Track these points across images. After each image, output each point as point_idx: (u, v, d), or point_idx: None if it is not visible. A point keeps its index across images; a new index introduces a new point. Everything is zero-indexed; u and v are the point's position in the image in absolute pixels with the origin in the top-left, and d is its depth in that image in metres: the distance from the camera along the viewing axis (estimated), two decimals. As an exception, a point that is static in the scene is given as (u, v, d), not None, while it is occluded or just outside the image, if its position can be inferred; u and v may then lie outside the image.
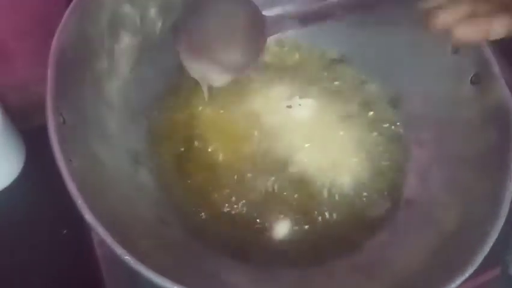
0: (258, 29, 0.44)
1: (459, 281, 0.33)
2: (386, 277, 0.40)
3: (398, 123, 0.52)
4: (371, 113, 0.52)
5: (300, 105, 0.51)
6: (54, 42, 0.37)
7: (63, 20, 0.38)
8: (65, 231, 0.50)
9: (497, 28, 0.33)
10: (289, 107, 0.51)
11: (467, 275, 0.33)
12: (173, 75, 0.50)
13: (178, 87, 0.51)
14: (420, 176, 0.48)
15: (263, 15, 0.44)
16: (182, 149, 0.48)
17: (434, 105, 0.49)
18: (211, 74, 0.45)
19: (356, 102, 0.52)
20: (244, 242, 0.45)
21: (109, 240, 0.31)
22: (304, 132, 0.50)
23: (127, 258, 0.32)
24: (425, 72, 0.49)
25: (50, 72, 0.35)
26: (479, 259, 0.34)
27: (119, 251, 0.32)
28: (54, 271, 0.49)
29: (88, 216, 0.32)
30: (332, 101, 0.52)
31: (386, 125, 0.52)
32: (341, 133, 0.50)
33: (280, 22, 0.44)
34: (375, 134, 0.51)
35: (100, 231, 0.32)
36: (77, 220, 0.43)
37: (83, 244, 0.47)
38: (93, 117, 0.42)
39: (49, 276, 0.49)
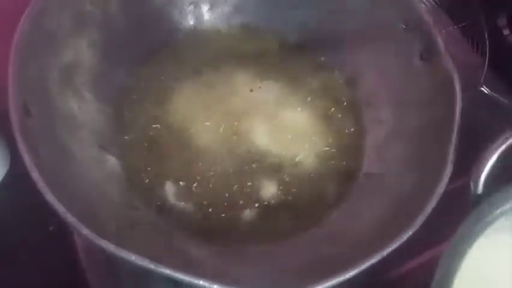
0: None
1: (406, 236, 0.36)
2: (344, 244, 0.43)
3: (356, 103, 0.54)
4: (330, 93, 0.54)
5: (260, 88, 0.53)
6: (16, 37, 0.39)
7: (24, 15, 0.40)
8: (51, 228, 0.52)
9: None
10: (251, 90, 0.53)
11: (410, 232, 0.36)
12: (141, 65, 0.52)
13: (146, 77, 0.53)
14: (378, 151, 0.51)
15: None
16: (151, 135, 0.50)
17: (389, 84, 0.52)
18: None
19: (315, 83, 0.54)
20: (210, 222, 0.47)
21: (72, 220, 0.33)
22: (266, 114, 0.52)
23: (97, 240, 0.34)
24: (378, 52, 0.52)
25: (11, 67, 0.37)
26: (423, 217, 0.36)
27: (86, 231, 0.33)
28: (41, 266, 0.51)
29: (49, 197, 0.34)
30: (292, 83, 0.53)
31: (345, 104, 0.54)
32: (301, 113, 0.52)
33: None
34: (334, 113, 0.53)
35: (69, 218, 0.34)
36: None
37: (68, 240, 0.50)
38: (61, 109, 0.44)
39: (35, 271, 0.51)
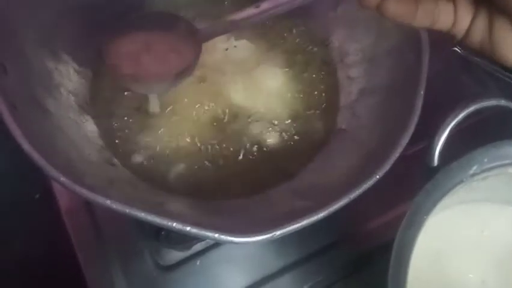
0: (191, 39, 0.46)
1: (371, 182, 0.38)
2: (318, 196, 0.44)
3: (330, 61, 0.55)
4: (304, 52, 0.55)
5: (235, 46, 0.54)
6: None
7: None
8: (37, 196, 0.54)
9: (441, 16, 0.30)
10: (226, 49, 0.54)
11: (376, 177, 0.38)
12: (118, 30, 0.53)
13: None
14: (351, 107, 0.52)
15: (193, 26, 0.46)
16: (126, 94, 0.51)
17: (360, 41, 0.53)
18: (153, 91, 0.49)
19: (289, 43, 0.55)
20: (188, 179, 0.48)
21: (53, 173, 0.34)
22: (242, 72, 0.53)
23: (75, 187, 0.35)
24: (349, 10, 0.53)
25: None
26: (388, 166, 0.38)
27: (63, 179, 0.35)
28: (28, 232, 0.52)
29: (26, 147, 0.35)
30: (266, 43, 0.55)
31: (318, 63, 0.55)
32: (276, 72, 0.53)
33: (211, 30, 0.46)
34: (308, 71, 0.54)
35: (47, 169, 0.35)
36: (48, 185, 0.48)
37: (53, 206, 0.52)
38: (37, 68, 0.45)
39: (23, 236, 0.52)
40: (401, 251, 0.40)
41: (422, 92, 0.42)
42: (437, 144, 0.46)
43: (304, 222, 0.36)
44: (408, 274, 0.39)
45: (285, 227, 0.35)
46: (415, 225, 0.41)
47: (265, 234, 0.35)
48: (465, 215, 0.51)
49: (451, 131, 0.46)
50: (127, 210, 0.34)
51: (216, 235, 0.34)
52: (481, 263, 0.50)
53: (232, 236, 0.34)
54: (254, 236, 0.34)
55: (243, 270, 0.51)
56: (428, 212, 0.42)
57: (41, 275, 0.52)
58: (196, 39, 0.45)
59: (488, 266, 0.50)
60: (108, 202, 0.34)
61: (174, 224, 0.33)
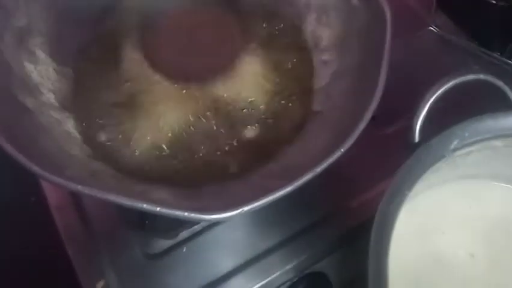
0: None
1: (336, 155, 0.40)
2: (294, 176, 0.45)
3: (304, 46, 0.56)
4: (278, 39, 0.57)
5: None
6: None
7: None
8: (33, 199, 0.56)
9: None
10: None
11: (342, 150, 0.40)
12: (96, 27, 0.55)
13: (102, 38, 0.56)
14: (325, 90, 0.53)
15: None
16: (106, 91, 0.52)
17: (331, 25, 0.54)
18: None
19: (263, 31, 0.57)
20: (170, 168, 0.50)
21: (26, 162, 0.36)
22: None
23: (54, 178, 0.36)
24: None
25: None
26: (352, 139, 0.39)
27: (42, 171, 0.36)
28: (23, 233, 0.54)
29: (3, 144, 0.37)
30: (241, 31, 0.56)
31: (293, 49, 0.56)
32: (252, 59, 0.55)
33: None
34: (283, 58, 0.56)
35: (26, 163, 0.37)
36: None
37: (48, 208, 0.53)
38: (16, 70, 0.47)
39: (17, 236, 0.54)
40: (382, 226, 0.40)
41: (384, 69, 0.43)
42: (417, 120, 0.46)
43: (271, 197, 0.37)
44: (389, 249, 0.40)
45: (253, 203, 0.36)
46: (396, 201, 0.41)
47: (233, 211, 0.36)
48: (452, 193, 0.52)
49: (431, 107, 0.47)
50: (99, 194, 0.35)
51: (186, 213, 0.35)
52: (469, 238, 0.50)
53: (202, 214, 0.35)
54: (223, 213, 0.36)
55: (229, 254, 0.52)
56: (409, 187, 0.42)
57: (33, 273, 0.54)
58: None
59: (477, 240, 0.50)
60: (79, 187, 0.35)
61: (144, 205, 0.35)
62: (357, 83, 0.48)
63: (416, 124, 0.46)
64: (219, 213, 0.36)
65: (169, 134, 0.51)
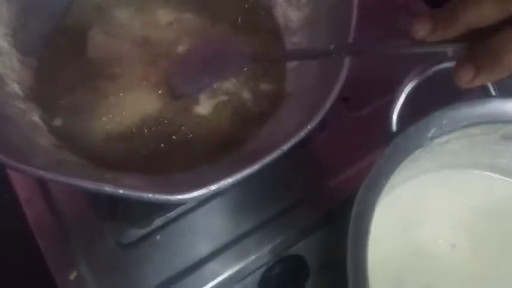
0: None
1: (303, 132, 0.39)
2: (264, 158, 0.45)
3: (275, 29, 0.56)
4: (249, 23, 0.56)
5: (180, 20, 0.55)
6: None
7: None
8: (6, 195, 0.55)
9: None
10: (171, 23, 0.55)
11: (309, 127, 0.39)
12: (60, 17, 0.54)
13: (66, 28, 0.55)
14: (296, 72, 0.53)
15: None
16: (70, 80, 0.52)
17: (302, 7, 0.55)
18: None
19: (234, 14, 0.57)
20: (137, 154, 0.49)
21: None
22: (187, 45, 0.54)
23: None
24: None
25: None
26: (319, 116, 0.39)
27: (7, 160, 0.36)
28: None
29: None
30: (212, 16, 0.56)
31: (265, 32, 0.56)
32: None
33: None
34: (255, 41, 0.56)
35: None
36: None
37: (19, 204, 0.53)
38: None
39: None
40: (361, 217, 0.40)
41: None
42: (394, 110, 0.46)
43: (238, 176, 0.36)
44: (369, 240, 0.39)
45: (219, 182, 0.36)
46: (374, 190, 0.41)
47: (199, 190, 0.35)
48: (432, 183, 0.52)
49: (409, 95, 0.46)
50: (63, 179, 0.34)
51: (151, 195, 0.35)
52: (450, 228, 0.50)
53: (167, 195, 0.35)
54: (189, 193, 0.35)
55: (204, 240, 0.52)
56: (387, 177, 0.42)
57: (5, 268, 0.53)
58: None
59: (458, 230, 0.50)
60: (42, 173, 0.34)
61: (107, 188, 0.34)
62: (327, 64, 0.47)
63: (393, 113, 0.45)
64: (185, 194, 0.35)
65: (135, 122, 0.50)
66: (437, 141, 0.44)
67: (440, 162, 0.49)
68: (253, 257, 0.52)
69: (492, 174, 0.52)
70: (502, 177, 0.52)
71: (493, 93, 0.45)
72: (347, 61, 0.42)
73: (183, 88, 0.49)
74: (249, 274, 0.53)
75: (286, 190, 0.54)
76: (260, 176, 0.51)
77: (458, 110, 0.44)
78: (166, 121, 0.50)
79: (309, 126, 0.39)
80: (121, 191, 0.34)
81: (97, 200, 0.51)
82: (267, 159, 0.37)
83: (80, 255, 0.50)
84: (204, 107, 0.51)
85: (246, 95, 0.53)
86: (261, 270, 0.53)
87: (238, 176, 0.36)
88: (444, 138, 0.45)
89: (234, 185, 0.50)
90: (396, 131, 0.44)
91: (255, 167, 0.37)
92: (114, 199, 0.49)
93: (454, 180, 0.51)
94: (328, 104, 0.40)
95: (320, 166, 0.58)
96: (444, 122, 0.44)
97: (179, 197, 0.35)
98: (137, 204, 0.50)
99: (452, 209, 0.50)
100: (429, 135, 0.43)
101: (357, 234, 0.39)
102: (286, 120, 0.50)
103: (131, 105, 0.50)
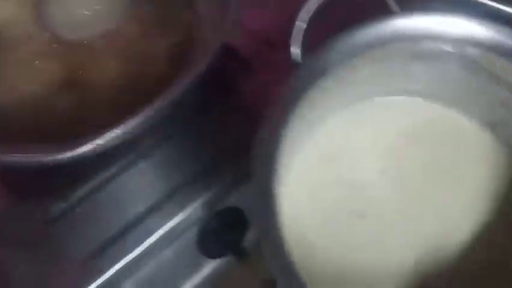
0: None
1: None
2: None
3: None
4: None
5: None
6: None
7: None
8: None
9: None
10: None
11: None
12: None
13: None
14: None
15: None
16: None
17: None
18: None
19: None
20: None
21: None
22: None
23: None
24: None
25: None
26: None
27: None
28: None
29: None
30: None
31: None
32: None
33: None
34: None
35: None
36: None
37: None
38: None
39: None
40: (266, 147, 0.38)
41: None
42: (294, 36, 0.44)
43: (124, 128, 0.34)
44: (276, 174, 0.37)
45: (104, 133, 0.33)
46: (278, 123, 0.39)
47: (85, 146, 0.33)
48: (354, 115, 0.50)
49: (312, 21, 0.45)
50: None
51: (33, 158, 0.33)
52: (377, 157, 0.48)
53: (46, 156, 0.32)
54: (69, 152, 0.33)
55: (131, 204, 0.50)
56: (293, 107, 0.40)
57: None
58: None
59: (385, 157, 0.48)
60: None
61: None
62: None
63: (295, 40, 0.43)
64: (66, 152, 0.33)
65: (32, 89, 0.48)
66: (343, 67, 0.42)
67: (357, 93, 0.48)
68: (186, 213, 0.51)
69: (412, 98, 0.50)
70: (423, 100, 0.50)
71: (396, 10, 0.43)
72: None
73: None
74: (184, 231, 0.51)
75: (214, 141, 0.52)
76: (186, 130, 0.50)
77: (360, 32, 0.42)
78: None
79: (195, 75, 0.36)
80: None
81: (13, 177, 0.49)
82: (152, 111, 0.34)
83: (4, 235, 0.48)
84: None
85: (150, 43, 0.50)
86: (197, 226, 0.51)
87: (124, 129, 0.34)
88: (351, 63, 0.42)
89: (154, 145, 0.49)
90: (300, 59, 0.42)
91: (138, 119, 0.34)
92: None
93: (376, 109, 0.49)
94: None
95: (249, 112, 0.56)
96: (347, 46, 0.41)
97: (61, 156, 0.33)
98: (50, 180, 0.47)
99: (377, 138, 0.48)
100: (332, 61, 0.41)
101: (261, 178, 0.36)
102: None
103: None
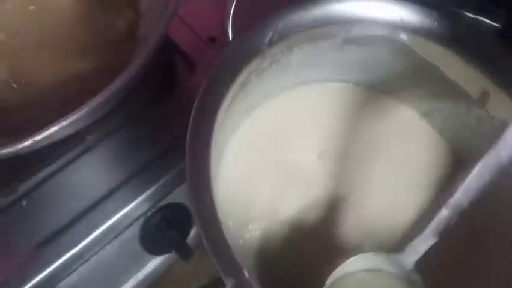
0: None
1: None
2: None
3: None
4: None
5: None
6: None
7: None
8: None
9: None
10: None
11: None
12: None
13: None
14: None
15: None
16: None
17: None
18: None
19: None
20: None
21: None
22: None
23: None
24: None
25: None
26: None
27: None
28: None
29: None
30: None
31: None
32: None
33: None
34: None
35: None
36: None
37: None
38: None
39: None
40: (198, 127, 0.38)
41: None
42: (227, 14, 0.44)
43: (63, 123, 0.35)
44: (210, 153, 0.37)
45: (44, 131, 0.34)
46: (212, 100, 0.38)
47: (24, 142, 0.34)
48: (292, 100, 0.51)
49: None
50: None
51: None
52: (315, 140, 0.50)
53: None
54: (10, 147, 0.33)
55: (74, 199, 0.50)
56: (226, 84, 0.39)
57: None
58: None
59: (323, 141, 0.49)
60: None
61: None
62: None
63: (227, 18, 0.43)
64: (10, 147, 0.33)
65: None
66: (277, 48, 0.42)
67: (293, 78, 0.48)
68: (127, 209, 0.51)
69: (347, 85, 0.51)
70: (357, 87, 0.51)
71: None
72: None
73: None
74: (127, 227, 0.51)
75: (157, 137, 0.53)
76: (130, 125, 0.51)
77: (294, 12, 0.42)
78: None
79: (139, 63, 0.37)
80: None
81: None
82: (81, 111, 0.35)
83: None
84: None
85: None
86: (139, 223, 0.52)
87: (64, 123, 0.35)
88: (284, 44, 0.43)
89: (99, 138, 0.50)
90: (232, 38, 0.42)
91: (82, 112, 0.35)
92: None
93: (313, 94, 0.50)
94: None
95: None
96: (280, 26, 0.42)
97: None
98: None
99: (313, 122, 0.50)
100: (267, 40, 0.41)
101: (195, 154, 0.36)
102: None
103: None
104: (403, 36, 0.44)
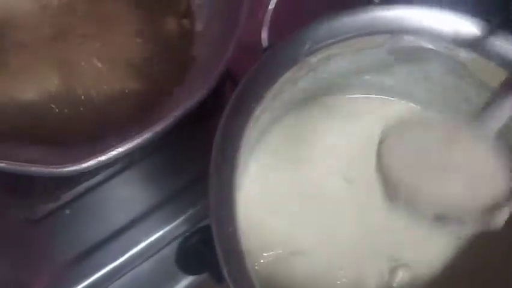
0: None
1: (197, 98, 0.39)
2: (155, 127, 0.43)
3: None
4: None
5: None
6: None
7: None
8: None
9: None
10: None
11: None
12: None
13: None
14: (202, 33, 0.52)
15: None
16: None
17: None
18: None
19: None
20: (33, 127, 0.47)
21: None
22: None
23: None
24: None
25: None
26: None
27: None
28: None
29: None
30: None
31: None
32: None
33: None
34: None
35: None
36: None
37: None
38: None
39: None
40: (226, 141, 0.36)
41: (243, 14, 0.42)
42: (264, 21, 0.43)
43: (129, 145, 0.35)
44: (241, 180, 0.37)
45: (108, 152, 0.34)
46: (242, 113, 0.36)
47: (88, 162, 0.34)
48: (322, 111, 0.47)
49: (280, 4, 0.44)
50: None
51: (33, 168, 0.33)
52: (343, 162, 0.45)
53: (48, 168, 0.33)
54: (74, 166, 0.33)
55: (116, 213, 0.50)
56: (257, 98, 0.37)
57: None
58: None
59: (352, 164, 0.45)
60: None
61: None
62: (225, 26, 0.46)
63: (264, 26, 0.43)
64: (74, 165, 0.33)
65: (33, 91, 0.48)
66: (316, 57, 0.39)
67: (327, 86, 0.45)
68: (167, 228, 0.51)
69: (385, 97, 0.47)
70: (397, 100, 0.47)
71: (376, 0, 0.42)
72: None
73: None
74: (165, 246, 0.51)
75: (199, 159, 0.53)
76: (172, 145, 0.51)
77: (336, 20, 0.39)
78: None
79: (204, 92, 0.37)
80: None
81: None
82: (159, 127, 0.35)
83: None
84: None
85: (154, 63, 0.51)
86: (177, 242, 0.52)
87: (129, 145, 0.35)
88: (324, 53, 0.39)
89: (144, 155, 0.50)
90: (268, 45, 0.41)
91: (146, 135, 0.35)
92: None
93: (345, 106, 0.46)
94: (221, 68, 0.38)
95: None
96: (321, 34, 0.39)
97: (67, 169, 0.33)
98: (38, 179, 0.47)
99: (344, 140, 0.45)
100: (305, 49, 0.38)
101: (220, 171, 0.35)
102: (189, 86, 0.48)
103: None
104: (461, 54, 0.40)
